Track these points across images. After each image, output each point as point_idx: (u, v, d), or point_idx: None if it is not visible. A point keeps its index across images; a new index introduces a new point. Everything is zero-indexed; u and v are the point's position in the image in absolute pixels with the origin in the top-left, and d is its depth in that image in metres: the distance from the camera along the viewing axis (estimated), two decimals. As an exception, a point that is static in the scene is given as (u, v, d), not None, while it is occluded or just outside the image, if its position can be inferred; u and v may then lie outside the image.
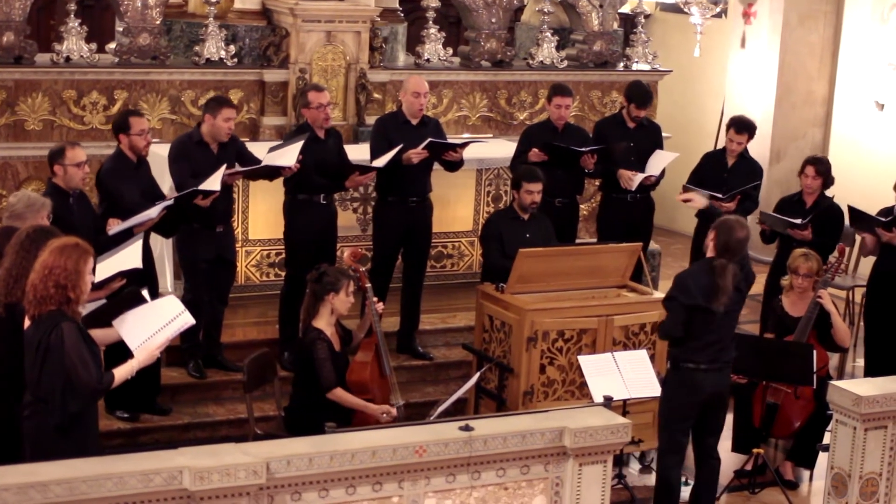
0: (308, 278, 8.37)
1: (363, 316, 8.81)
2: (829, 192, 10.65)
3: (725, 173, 10.87)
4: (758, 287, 11.13)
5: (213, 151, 9.58)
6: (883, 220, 10.14)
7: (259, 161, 9.70)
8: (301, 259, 9.84)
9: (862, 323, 11.23)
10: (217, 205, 9.47)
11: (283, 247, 10.38)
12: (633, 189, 10.81)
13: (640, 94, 11.07)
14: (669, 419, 8.32)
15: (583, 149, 10.57)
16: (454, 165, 10.40)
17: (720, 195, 10.57)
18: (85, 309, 7.04)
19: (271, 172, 9.75)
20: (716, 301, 8.04)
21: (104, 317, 7.21)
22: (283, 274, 10.38)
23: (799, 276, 9.45)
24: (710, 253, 8.15)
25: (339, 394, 8.27)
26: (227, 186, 9.67)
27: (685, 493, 8.79)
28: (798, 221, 10.25)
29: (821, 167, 10.49)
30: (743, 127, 10.94)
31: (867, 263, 11.72)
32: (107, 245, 8.42)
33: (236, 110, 10.03)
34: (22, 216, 7.80)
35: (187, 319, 7.09)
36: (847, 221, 10.62)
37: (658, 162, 10.96)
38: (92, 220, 8.86)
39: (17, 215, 7.84)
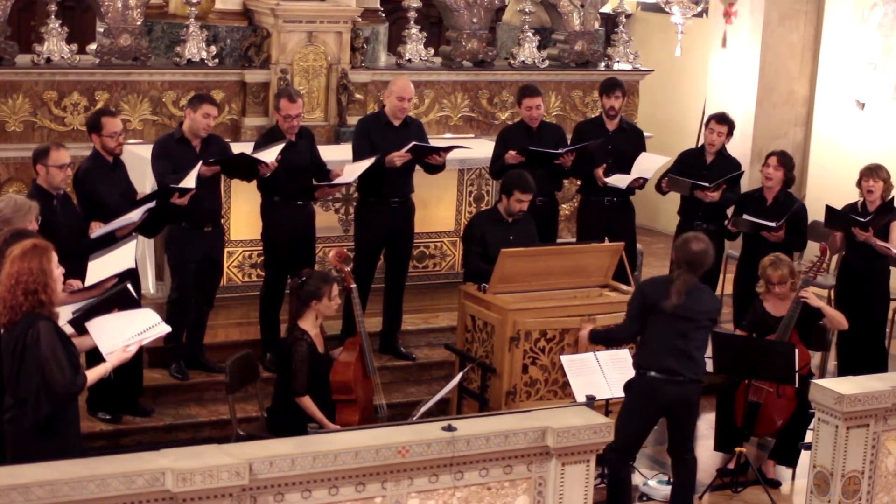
0: (290, 286, 8.34)
1: (348, 316, 8.80)
2: (810, 190, 10.65)
3: (704, 170, 10.85)
4: (727, 285, 11.18)
5: (194, 149, 9.54)
6: (861, 220, 10.15)
7: (241, 163, 9.69)
8: (279, 260, 9.82)
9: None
10: (205, 204, 9.45)
11: (264, 248, 10.36)
12: (605, 185, 10.82)
13: (606, 84, 11.12)
14: (626, 424, 8.15)
15: (559, 150, 10.58)
16: (435, 168, 10.40)
17: (706, 184, 10.55)
18: (73, 306, 7.02)
19: (248, 170, 9.69)
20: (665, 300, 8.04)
21: (93, 315, 7.18)
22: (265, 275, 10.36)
23: (773, 284, 9.43)
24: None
25: (306, 403, 8.24)
26: (214, 185, 9.64)
27: (666, 491, 8.82)
28: (773, 224, 10.24)
29: (784, 158, 10.51)
30: (724, 119, 10.95)
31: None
32: (90, 248, 8.39)
33: (218, 109, 10.01)
34: (10, 221, 7.72)
35: (163, 329, 7.06)
36: (823, 221, 10.64)
37: (648, 165, 10.94)
38: (76, 221, 8.82)
39: (5, 220, 7.74)
